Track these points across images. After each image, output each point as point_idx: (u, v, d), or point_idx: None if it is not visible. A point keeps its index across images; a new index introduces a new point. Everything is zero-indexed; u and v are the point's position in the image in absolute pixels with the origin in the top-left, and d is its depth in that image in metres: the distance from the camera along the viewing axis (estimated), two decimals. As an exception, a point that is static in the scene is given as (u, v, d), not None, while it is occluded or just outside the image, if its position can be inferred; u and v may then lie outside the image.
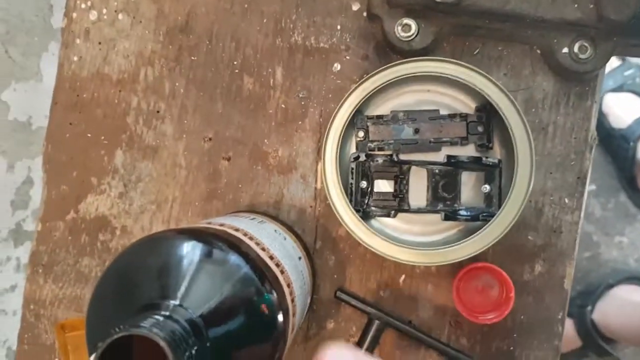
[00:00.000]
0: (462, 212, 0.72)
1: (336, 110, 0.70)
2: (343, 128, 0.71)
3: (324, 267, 0.77)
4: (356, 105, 0.70)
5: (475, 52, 0.74)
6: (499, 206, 0.70)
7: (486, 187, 0.71)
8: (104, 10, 0.79)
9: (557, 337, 0.73)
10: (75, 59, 0.80)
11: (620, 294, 1.44)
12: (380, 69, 0.69)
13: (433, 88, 0.75)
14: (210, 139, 0.78)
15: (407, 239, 0.75)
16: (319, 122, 0.77)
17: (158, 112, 0.78)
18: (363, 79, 0.69)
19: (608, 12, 0.65)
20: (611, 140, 1.54)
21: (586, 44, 0.69)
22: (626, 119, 1.52)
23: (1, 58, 0.85)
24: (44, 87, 0.91)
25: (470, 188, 0.74)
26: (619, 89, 1.52)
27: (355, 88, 0.70)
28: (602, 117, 1.56)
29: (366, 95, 0.70)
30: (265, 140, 0.77)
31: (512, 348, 0.74)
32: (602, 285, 1.47)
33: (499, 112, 0.69)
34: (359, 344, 0.74)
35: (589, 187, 1.04)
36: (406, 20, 0.72)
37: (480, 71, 0.69)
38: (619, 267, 1.55)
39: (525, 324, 0.74)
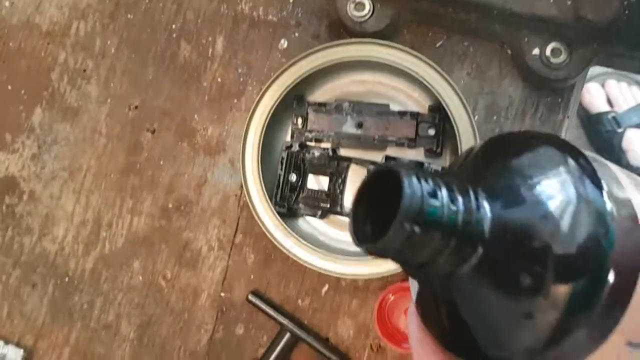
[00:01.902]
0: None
1: (264, 89, 0.62)
2: (271, 110, 0.62)
3: (241, 265, 0.68)
4: (288, 87, 0.62)
5: (437, 45, 0.65)
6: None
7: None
8: (43, -46, 0.72)
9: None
10: (7, 4, 0.73)
11: None
12: (321, 46, 0.61)
13: (386, 80, 0.66)
14: (136, 107, 0.70)
15: (336, 245, 0.66)
16: (257, 102, 0.68)
17: (85, 70, 0.71)
18: (299, 57, 0.61)
19: (586, 12, 0.56)
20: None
21: (560, 47, 0.59)
22: None
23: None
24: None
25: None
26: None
27: (289, 66, 0.61)
28: (621, 153, 1.44)
29: (301, 76, 0.62)
30: (195, 116, 0.69)
31: (435, 385, 0.65)
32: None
33: (449, 115, 0.60)
34: (266, 356, 0.66)
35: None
36: (359, -2, 0.63)
37: (434, 65, 0.60)
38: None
39: None
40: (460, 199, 0.25)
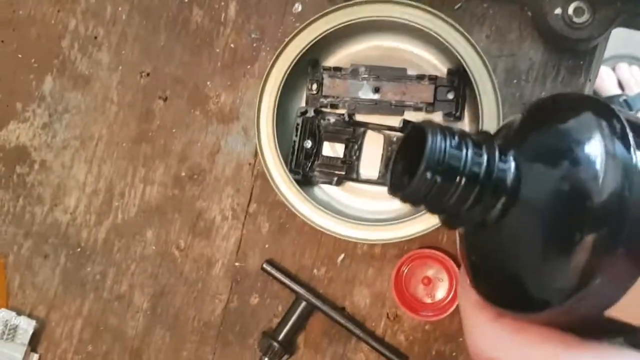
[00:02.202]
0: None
1: (278, 51, 0.60)
2: (285, 74, 0.61)
3: (256, 234, 0.67)
4: (303, 49, 0.60)
5: (456, 7, 0.64)
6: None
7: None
8: None
9: (508, 348, 0.63)
10: (17, -30, 0.72)
11: None
12: (336, 7, 0.59)
13: (402, 45, 0.64)
14: (147, 74, 0.69)
15: (351, 213, 0.65)
16: (271, 68, 0.67)
17: (96, 37, 0.70)
18: (314, 18, 0.59)
19: (611, -33, 0.54)
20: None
21: (583, 6, 0.58)
22: None
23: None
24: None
25: (430, 163, 0.64)
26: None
27: (304, 27, 0.60)
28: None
29: (316, 38, 0.60)
30: (208, 83, 0.68)
31: (454, 354, 0.64)
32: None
33: (470, 76, 0.58)
34: (281, 325, 0.65)
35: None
36: (376, -43, 0.61)
37: (455, 24, 0.58)
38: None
39: (474, 328, 0.63)
40: (485, 154, 0.27)
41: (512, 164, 0.28)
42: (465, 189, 0.27)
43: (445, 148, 0.27)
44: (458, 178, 0.27)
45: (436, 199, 0.27)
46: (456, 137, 0.27)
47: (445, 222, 0.30)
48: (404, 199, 0.29)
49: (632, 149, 0.25)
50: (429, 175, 0.26)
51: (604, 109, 0.27)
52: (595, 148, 0.26)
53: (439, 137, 0.27)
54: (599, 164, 0.25)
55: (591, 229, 0.25)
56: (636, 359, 0.26)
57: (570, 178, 0.26)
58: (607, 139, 0.26)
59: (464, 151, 0.27)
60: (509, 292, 0.28)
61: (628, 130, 0.26)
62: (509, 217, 0.28)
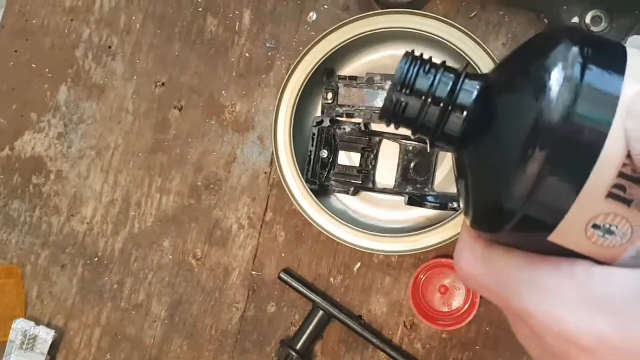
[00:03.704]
0: (430, 199, 0.62)
1: (296, 62, 0.60)
2: (303, 85, 0.61)
3: (272, 243, 0.67)
4: (320, 60, 0.60)
5: (472, 16, 0.63)
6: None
7: (460, 172, 0.61)
8: None
9: (525, 357, 0.63)
10: (30, -20, 0.72)
11: None
12: (353, 18, 0.59)
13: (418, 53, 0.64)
14: (163, 84, 0.69)
15: (367, 222, 0.65)
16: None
17: (110, 47, 0.70)
18: (331, 29, 0.59)
19: (630, -23, 0.54)
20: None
21: (601, 15, 0.57)
22: None
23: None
24: None
25: (446, 172, 0.64)
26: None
27: (321, 39, 0.60)
28: None
29: (333, 49, 0.60)
30: (224, 92, 0.68)
31: (472, 362, 0.64)
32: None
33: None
34: (299, 334, 0.65)
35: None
36: (392, -33, 0.61)
37: (470, 34, 0.58)
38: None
39: (491, 336, 0.64)
40: (451, 80, 0.30)
41: (477, 86, 0.30)
42: (432, 107, 0.30)
43: (415, 72, 0.30)
44: (424, 97, 0.30)
45: (410, 118, 0.30)
46: (427, 65, 0.30)
47: (430, 142, 0.33)
48: (384, 119, 0.31)
49: (585, 72, 0.26)
50: (396, 96, 0.30)
51: (569, 31, 0.29)
52: (550, 70, 0.27)
53: (410, 63, 0.30)
54: (551, 85, 0.26)
55: (534, 145, 0.26)
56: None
57: (526, 98, 0.27)
58: (562, 60, 0.27)
59: (434, 75, 0.30)
60: (480, 213, 0.30)
61: (589, 52, 0.27)
62: (476, 140, 0.30)
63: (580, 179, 0.26)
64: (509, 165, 0.27)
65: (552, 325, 0.27)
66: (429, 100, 0.30)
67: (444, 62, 0.31)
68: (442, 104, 0.30)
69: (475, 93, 0.30)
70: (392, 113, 0.30)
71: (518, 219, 0.27)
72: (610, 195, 0.26)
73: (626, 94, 0.26)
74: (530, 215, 0.27)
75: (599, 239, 0.27)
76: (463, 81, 0.30)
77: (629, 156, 0.26)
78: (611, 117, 0.26)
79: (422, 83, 0.30)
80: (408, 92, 0.30)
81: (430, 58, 0.31)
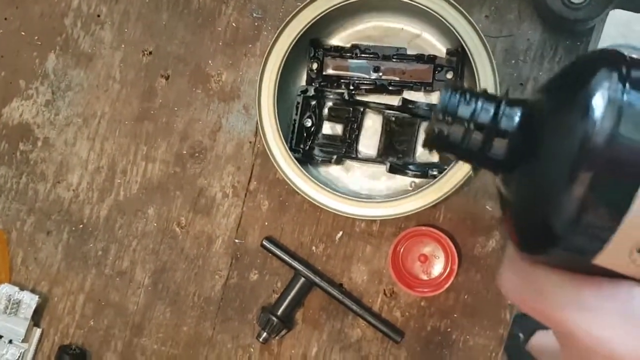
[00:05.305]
0: (411, 167, 0.63)
1: (279, 29, 0.61)
2: (286, 53, 0.62)
3: (256, 212, 0.68)
4: (304, 28, 0.61)
5: (456, -12, 0.64)
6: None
7: (441, 140, 0.62)
8: None
9: (502, 325, 0.64)
10: (20, -52, 0.72)
11: None
12: (337, -14, 0.60)
13: (403, 25, 0.65)
14: (150, 52, 0.70)
15: (349, 190, 0.66)
16: (272, 48, 0.68)
17: (99, 16, 0.70)
18: (314, -4, 0.60)
19: (609, -53, 0.55)
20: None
21: (581, -13, 0.58)
22: None
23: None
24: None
25: (428, 142, 0.65)
26: None
27: (305, 6, 0.60)
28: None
29: (317, 17, 0.61)
30: (210, 61, 0.69)
31: (449, 329, 0.65)
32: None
33: (468, 56, 0.59)
34: (280, 300, 0.66)
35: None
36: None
37: (456, 5, 0.59)
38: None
39: (469, 304, 0.65)
40: (493, 106, 0.30)
41: (519, 112, 0.30)
42: (475, 133, 0.30)
43: (457, 101, 0.31)
44: (467, 123, 0.30)
45: (454, 144, 0.31)
46: (467, 94, 0.31)
47: (473, 168, 0.34)
48: (427, 147, 0.32)
49: (626, 94, 0.27)
50: (438, 125, 0.31)
51: (609, 56, 0.29)
52: (593, 94, 0.27)
53: (450, 93, 0.31)
54: (594, 109, 0.26)
55: (579, 168, 0.26)
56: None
57: (569, 121, 0.28)
58: (604, 85, 0.27)
59: (474, 103, 0.30)
60: (525, 236, 0.30)
61: (630, 73, 0.27)
62: (520, 164, 0.30)
63: (625, 202, 0.26)
64: (554, 189, 0.27)
65: (594, 345, 0.27)
66: (472, 126, 0.30)
67: (485, 90, 0.32)
68: (484, 129, 0.30)
69: (517, 118, 0.30)
70: (436, 140, 0.31)
71: (564, 242, 0.27)
72: None
73: None
74: (575, 238, 0.27)
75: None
76: (505, 107, 0.30)
77: None
78: None
79: (465, 111, 0.30)
80: (450, 119, 0.30)
81: (471, 88, 0.32)
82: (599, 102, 0.26)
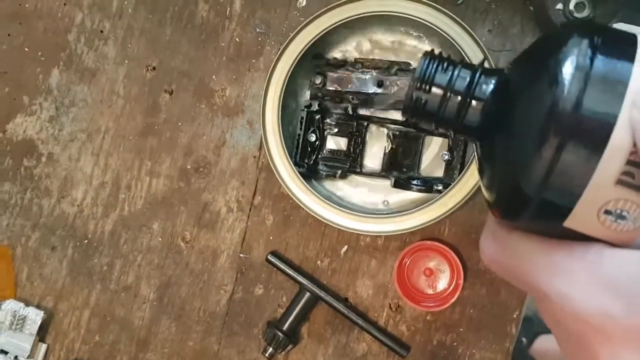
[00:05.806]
0: (416, 181, 0.63)
1: (284, 45, 0.61)
2: (291, 68, 0.62)
3: (260, 226, 0.68)
4: (308, 44, 0.61)
5: (459, 2, 0.64)
6: (459, 178, 0.61)
7: (445, 155, 0.62)
8: None
9: (508, 339, 0.64)
10: (23, -36, 0.72)
11: None
12: (341, 1, 0.60)
13: (406, 39, 0.65)
14: (153, 68, 0.70)
15: (354, 205, 0.66)
16: (275, 62, 0.68)
17: (102, 31, 0.71)
18: (319, 12, 0.60)
19: (612, -37, 0.55)
20: None
21: (584, 1, 0.58)
22: None
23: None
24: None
25: (432, 156, 0.65)
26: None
27: (309, 22, 0.61)
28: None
29: (321, 33, 0.61)
30: (214, 77, 0.69)
31: (455, 344, 0.65)
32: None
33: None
34: (285, 315, 0.66)
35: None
36: (380, -47, 0.62)
37: (458, 19, 0.59)
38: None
39: (475, 318, 0.65)
40: (469, 75, 0.31)
41: (494, 79, 0.31)
42: (451, 101, 0.31)
43: (434, 68, 0.31)
44: (443, 91, 0.31)
45: (430, 112, 0.31)
46: (446, 63, 0.31)
47: (451, 134, 0.34)
48: (405, 115, 0.32)
49: (594, 62, 0.27)
50: (416, 92, 0.31)
51: (583, 25, 0.31)
52: (563, 60, 0.27)
53: (429, 61, 0.31)
54: (562, 74, 0.27)
55: (547, 132, 0.27)
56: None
57: (539, 89, 0.28)
58: (573, 51, 0.27)
59: (452, 71, 0.31)
60: (500, 200, 0.31)
61: (599, 43, 0.28)
62: (495, 131, 0.31)
63: (591, 165, 0.27)
64: (525, 153, 0.28)
65: (565, 306, 0.28)
66: (448, 93, 0.31)
67: (462, 60, 0.32)
68: (460, 97, 0.31)
69: (492, 86, 0.31)
70: (413, 108, 0.32)
71: (534, 205, 0.28)
72: (620, 182, 0.27)
73: (633, 85, 0.27)
74: (545, 200, 0.28)
75: (611, 223, 0.28)
76: (480, 75, 0.31)
77: (635, 145, 0.26)
78: (618, 107, 0.26)
79: (441, 78, 0.31)
80: (427, 87, 0.31)
81: (449, 56, 0.32)
82: (567, 68, 0.27)
